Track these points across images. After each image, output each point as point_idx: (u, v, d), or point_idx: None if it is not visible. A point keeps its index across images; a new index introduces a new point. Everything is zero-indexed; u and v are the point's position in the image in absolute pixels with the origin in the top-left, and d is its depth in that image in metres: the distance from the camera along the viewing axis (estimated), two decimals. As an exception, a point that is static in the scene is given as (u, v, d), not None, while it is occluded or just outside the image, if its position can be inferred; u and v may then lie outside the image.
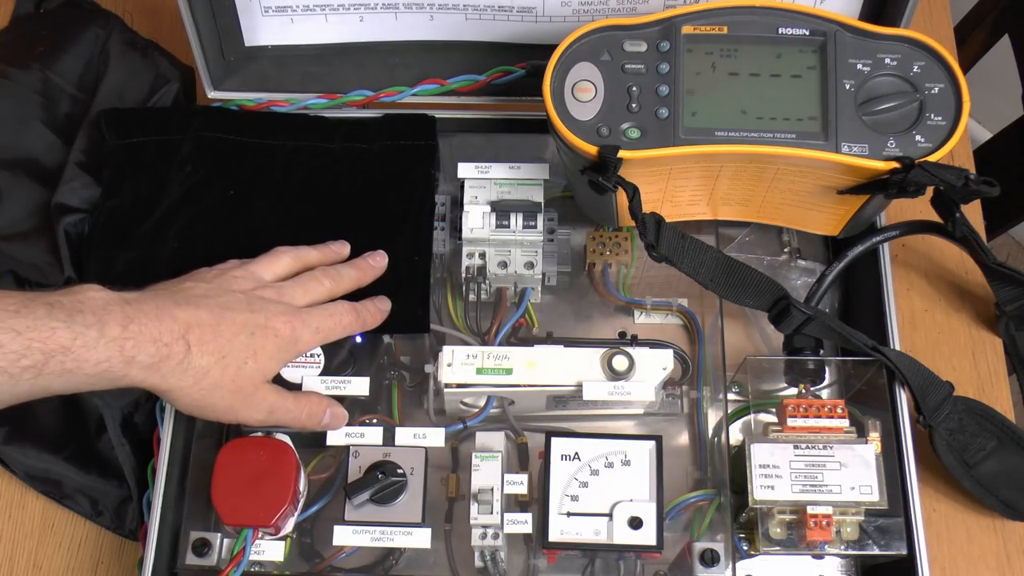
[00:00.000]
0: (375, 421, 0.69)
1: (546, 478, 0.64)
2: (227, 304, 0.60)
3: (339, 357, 0.68)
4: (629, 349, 0.67)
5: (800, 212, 0.70)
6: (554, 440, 0.65)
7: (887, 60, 0.64)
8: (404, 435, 0.66)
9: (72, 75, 0.78)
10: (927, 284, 0.80)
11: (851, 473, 0.63)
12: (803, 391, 0.68)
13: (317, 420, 0.64)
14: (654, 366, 0.67)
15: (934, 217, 0.70)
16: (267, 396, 0.61)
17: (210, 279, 0.63)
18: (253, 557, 0.64)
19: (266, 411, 0.61)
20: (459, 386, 0.66)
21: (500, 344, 0.71)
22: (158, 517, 0.64)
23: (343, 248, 0.69)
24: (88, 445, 0.72)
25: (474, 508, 0.63)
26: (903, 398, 0.67)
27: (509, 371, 0.66)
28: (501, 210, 0.71)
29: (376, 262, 0.69)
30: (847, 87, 0.63)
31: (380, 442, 0.66)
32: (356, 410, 0.68)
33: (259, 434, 0.65)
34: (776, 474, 0.63)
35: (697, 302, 0.74)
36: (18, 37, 0.81)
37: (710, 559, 0.62)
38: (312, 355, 0.71)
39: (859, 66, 0.64)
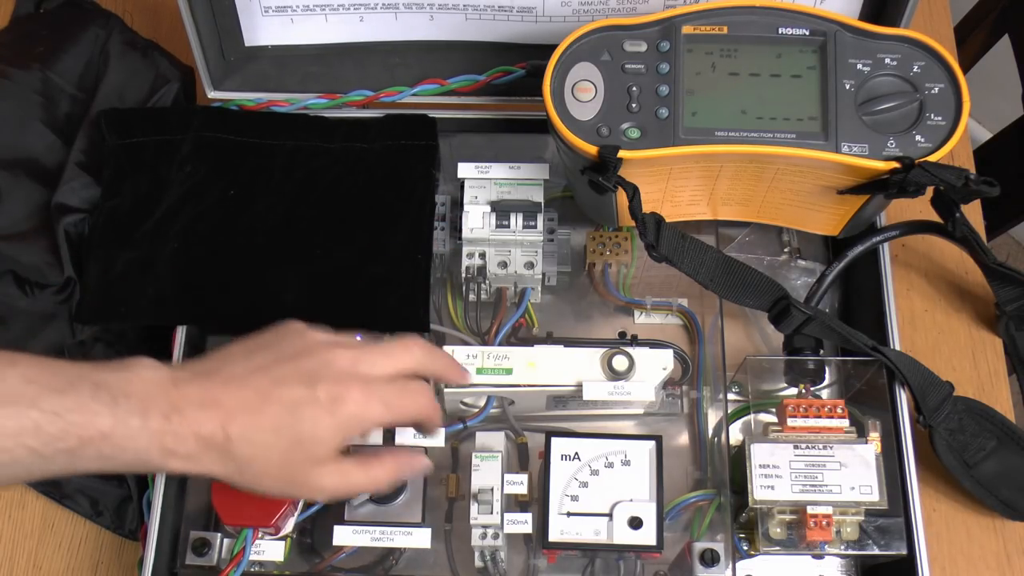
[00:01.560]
0: (375, 421, 0.69)
1: (546, 478, 0.64)
2: (280, 379, 0.54)
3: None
4: (629, 349, 0.67)
5: (800, 212, 0.70)
6: (554, 440, 0.65)
7: (887, 60, 0.64)
8: (404, 435, 0.66)
9: (72, 75, 0.78)
10: (927, 284, 0.80)
11: (851, 473, 0.63)
12: (803, 391, 0.68)
13: (394, 480, 0.60)
14: (654, 366, 0.67)
15: (934, 217, 0.70)
16: (325, 478, 0.56)
17: (276, 339, 0.58)
18: (253, 557, 0.64)
19: (328, 493, 0.57)
20: (459, 386, 0.66)
21: (500, 344, 0.71)
22: (158, 517, 0.64)
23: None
24: (88, 445, 0.72)
25: (474, 508, 0.63)
26: (903, 398, 0.67)
27: (509, 371, 0.66)
28: (501, 210, 0.71)
29: (465, 377, 0.64)
30: (847, 87, 0.63)
31: (380, 442, 0.66)
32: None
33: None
34: (776, 474, 0.63)
35: (697, 302, 0.74)
36: (18, 37, 0.81)
37: (710, 559, 0.62)
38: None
39: (859, 66, 0.64)
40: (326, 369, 0.55)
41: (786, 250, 0.77)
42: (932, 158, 0.62)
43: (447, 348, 0.67)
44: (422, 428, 0.63)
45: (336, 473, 0.56)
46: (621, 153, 0.62)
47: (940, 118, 0.63)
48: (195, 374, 0.55)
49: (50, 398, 0.48)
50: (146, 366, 0.53)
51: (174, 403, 0.52)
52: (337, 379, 0.55)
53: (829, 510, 0.62)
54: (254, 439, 0.53)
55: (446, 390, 0.67)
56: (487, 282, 0.73)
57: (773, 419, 0.67)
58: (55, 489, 0.72)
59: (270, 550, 0.65)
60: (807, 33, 0.64)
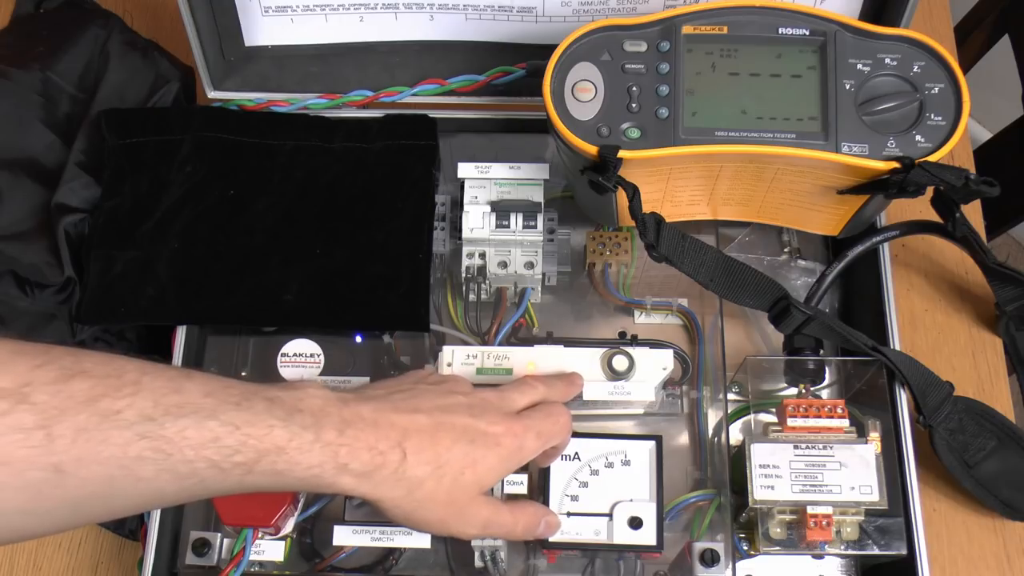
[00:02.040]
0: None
1: (546, 478, 0.64)
2: (447, 408, 0.56)
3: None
4: (629, 349, 0.67)
5: (800, 212, 0.70)
6: (554, 440, 0.65)
7: (887, 60, 0.64)
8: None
9: (72, 75, 0.78)
10: (927, 284, 0.80)
11: (851, 473, 0.63)
12: (803, 391, 0.68)
13: (532, 533, 0.60)
14: (654, 366, 0.67)
15: (934, 217, 0.70)
16: (482, 510, 0.56)
17: (433, 381, 0.59)
18: (253, 557, 0.64)
19: (480, 526, 0.57)
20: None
21: (500, 344, 0.71)
22: (158, 517, 0.64)
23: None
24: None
25: (474, 508, 0.63)
26: (903, 398, 0.67)
27: (509, 371, 0.66)
28: (501, 210, 0.71)
29: (580, 382, 0.66)
30: (847, 87, 0.63)
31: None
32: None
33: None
34: (776, 474, 0.63)
35: (697, 302, 0.74)
36: (18, 37, 0.81)
37: (710, 559, 0.62)
38: (312, 355, 0.71)
39: (859, 66, 0.64)
40: (482, 404, 0.57)
41: (786, 250, 0.77)
42: (932, 158, 0.62)
43: (447, 348, 0.67)
44: (551, 455, 0.63)
45: (489, 507, 0.57)
46: (621, 153, 0.62)
47: (940, 118, 0.63)
48: (362, 397, 0.55)
49: (228, 411, 0.48)
50: (314, 386, 0.53)
51: (347, 419, 0.52)
52: (495, 414, 0.57)
53: (829, 510, 0.62)
54: (429, 460, 0.53)
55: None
56: (487, 282, 0.73)
57: (773, 419, 0.67)
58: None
59: (270, 550, 0.65)
60: (807, 33, 0.64)
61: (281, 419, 0.49)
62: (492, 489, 0.61)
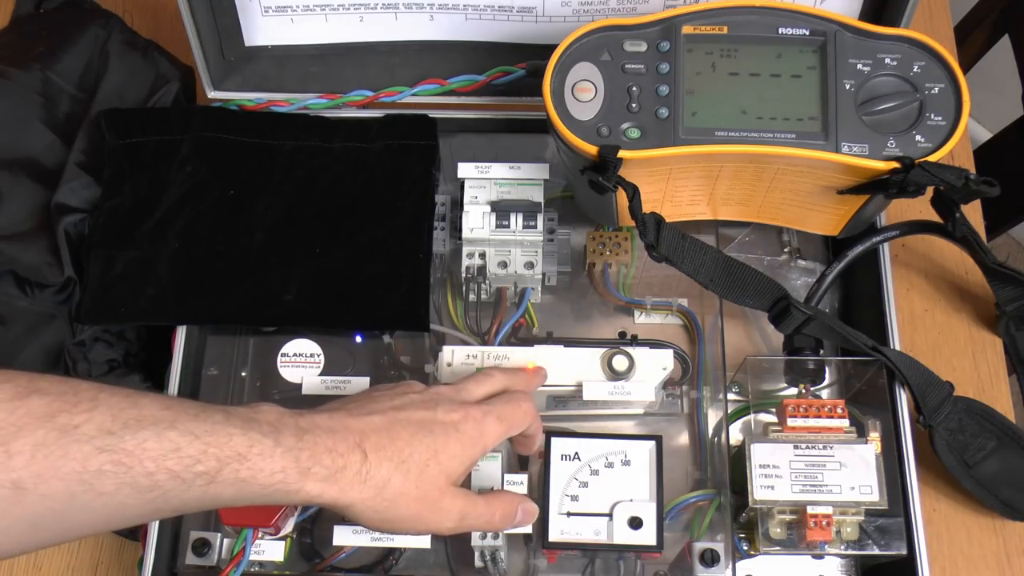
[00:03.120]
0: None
1: (546, 478, 0.64)
2: (402, 406, 0.56)
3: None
4: (629, 349, 0.67)
5: (800, 212, 0.70)
6: (554, 440, 0.65)
7: (887, 60, 0.64)
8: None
9: (72, 75, 0.78)
10: (927, 284, 0.80)
11: (851, 473, 0.63)
12: (803, 391, 0.68)
13: (510, 521, 0.60)
14: (654, 366, 0.67)
15: (934, 217, 0.70)
16: (456, 502, 0.56)
17: (385, 387, 0.60)
18: (253, 557, 0.64)
19: (456, 518, 0.56)
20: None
21: (500, 344, 0.71)
22: (158, 517, 0.65)
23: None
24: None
25: (474, 508, 0.63)
26: (903, 398, 0.67)
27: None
28: (501, 210, 0.71)
29: (544, 373, 0.66)
30: (847, 87, 0.63)
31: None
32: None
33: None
34: (776, 474, 0.63)
35: (697, 302, 0.74)
36: (18, 37, 0.81)
37: (710, 559, 0.62)
38: (312, 355, 0.71)
39: (859, 66, 0.64)
40: (436, 397, 0.57)
41: (786, 250, 0.77)
42: (932, 158, 0.62)
43: (447, 348, 0.67)
44: (525, 443, 0.63)
45: (463, 498, 0.56)
46: (621, 153, 0.62)
47: (940, 118, 0.63)
48: (316, 410, 0.55)
49: (187, 421, 0.48)
50: (268, 404, 0.53)
51: (303, 427, 0.52)
52: (450, 404, 0.57)
53: (829, 510, 0.62)
54: (391, 455, 0.53)
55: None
56: (487, 282, 0.73)
57: (773, 419, 0.67)
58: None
59: (270, 550, 0.65)
60: (807, 33, 0.64)
61: (240, 427, 0.49)
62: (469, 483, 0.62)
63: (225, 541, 0.65)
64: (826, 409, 0.65)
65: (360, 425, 0.54)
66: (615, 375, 0.66)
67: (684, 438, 0.71)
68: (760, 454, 0.63)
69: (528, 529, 0.63)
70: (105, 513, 0.47)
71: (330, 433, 0.52)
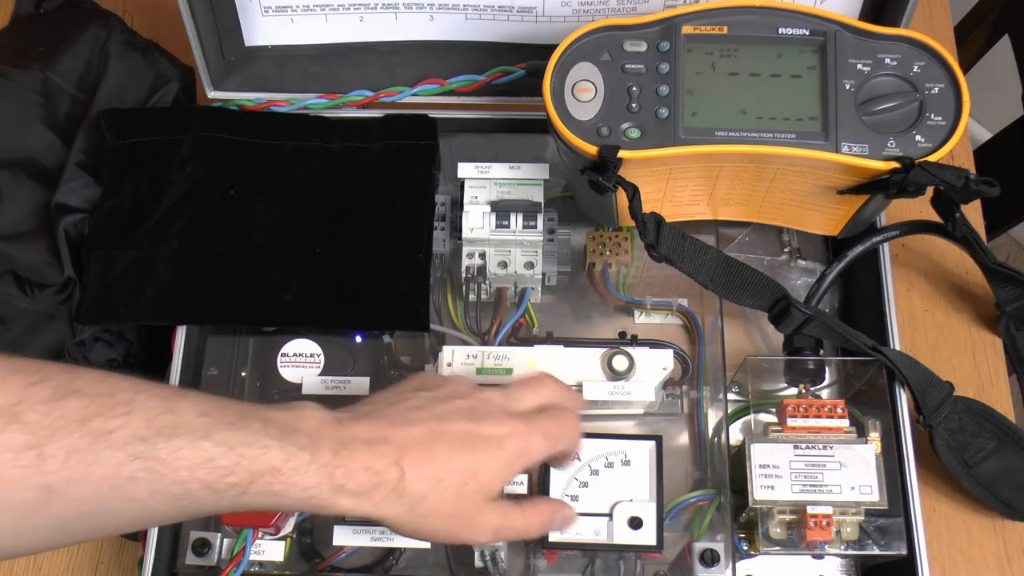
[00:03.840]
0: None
1: (546, 478, 0.64)
2: (445, 416, 0.54)
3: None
4: (629, 349, 0.67)
5: (800, 212, 0.70)
6: (554, 440, 0.64)
7: (887, 60, 0.64)
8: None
9: (72, 75, 0.78)
10: (927, 284, 0.80)
11: (851, 473, 0.63)
12: (803, 391, 0.68)
13: (547, 529, 0.59)
14: (654, 366, 0.67)
15: (934, 217, 0.70)
16: (491, 517, 0.54)
17: (433, 385, 0.57)
18: (253, 557, 0.64)
19: (491, 533, 0.55)
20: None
21: (500, 344, 0.71)
22: (158, 517, 0.64)
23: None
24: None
25: (474, 508, 0.63)
26: (903, 398, 0.67)
27: (509, 371, 0.66)
28: (501, 210, 0.71)
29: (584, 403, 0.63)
30: (847, 87, 0.63)
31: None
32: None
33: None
34: (776, 474, 0.63)
35: (697, 302, 0.74)
36: (18, 37, 0.81)
37: (710, 559, 0.62)
38: (312, 355, 0.71)
39: (859, 66, 0.64)
40: (484, 406, 0.56)
41: (786, 250, 0.77)
42: (932, 158, 0.62)
43: (447, 348, 0.67)
44: (561, 459, 0.61)
45: (498, 512, 0.55)
46: (621, 153, 0.62)
47: (940, 118, 0.63)
48: (357, 415, 0.53)
49: (222, 431, 0.47)
50: (310, 407, 0.52)
51: (342, 440, 0.51)
52: (497, 416, 0.55)
53: (829, 510, 0.62)
54: (428, 474, 0.52)
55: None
56: (487, 282, 0.73)
57: (773, 419, 0.67)
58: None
59: (270, 550, 0.65)
60: (807, 33, 0.64)
61: (276, 439, 0.48)
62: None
63: (225, 541, 0.65)
64: (826, 409, 0.65)
65: (400, 438, 0.52)
66: (615, 375, 0.66)
67: (684, 438, 0.71)
68: (760, 454, 0.63)
69: None
70: (134, 517, 0.47)
71: (368, 447, 0.51)
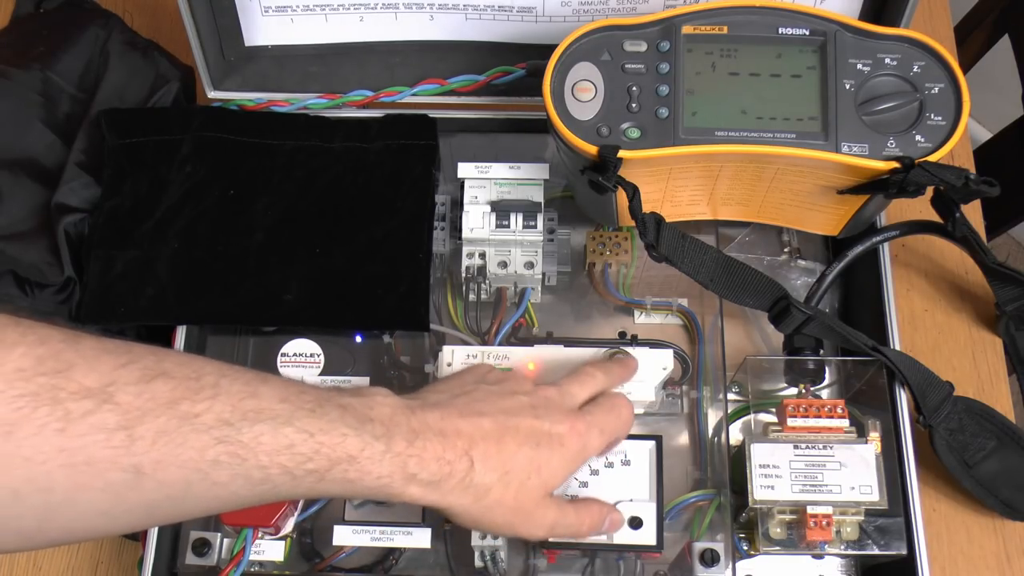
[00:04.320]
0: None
1: (546, 478, 0.64)
2: (511, 410, 0.56)
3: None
4: (629, 349, 0.67)
5: (800, 212, 0.70)
6: (554, 440, 0.64)
7: (887, 60, 0.64)
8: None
9: (72, 75, 0.78)
10: (927, 284, 0.80)
11: (851, 473, 0.63)
12: (803, 391, 0.68)
13: (596, 530, 0.60)
14: (654, 366, 0.67)
15: (934, 217, 0.70)
16: (548, 512, 0.56)
17: (494, 380, 0.60)
18: (253, 557, 0.64)
19: (547, 528, 0.57)
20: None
21: (500, 344, 0.71)
22: (158, 517, 0.64)
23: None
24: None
25: (474, 508, 0.63)
26: (903, 398, 0.67)
27: (509, 371, 0.66)
28: (501, 210, 0.71)
29: (634, 364, 0.65)
30: (847, 87, 0.63)
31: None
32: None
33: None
34: (776, 474, 0.63)
35: (697, 302, 0.74)
36: (18, 37, 0.81)
37: (710, 559, 0.62)
38: (312, 355, 0.71)
39: (859, 66, 0.64)
40: (545, 403, 0.57)
41: (786, 250, 0.77)
42: (932, 158, 0.62)
43: (447, 348, 0.67)
44: (612, 447, 0.63)
45: (556, 508, 0.57)
46: (621, 153, 0.62)
47: (940, 118, 0.63)
48: (427, 404, 0.55)
49: (303, 417, 0.48)
50: (383, 393, 0.54)
51: (415, 429, 0.52)
52: (557, 413, 0.57)
53: (829, 510, 0.62)
54: (496, 467, 0.54)
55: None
56: (487, 282, 0.73)
57: (773, 419, 0.67)
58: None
59: (270, 550, 0.65)
60: (807, 33, 0.64)
61: (354, 428, 0.50)
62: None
63: (225, 541, 0.65)
64: (826, 409, 0.65)
65: (470, 430, 0.54)
66: (615, 375, 0.66)
67: (684, 438, 0.71)
68: (760, 454, 0.63)
69: None
70: (215, 502, 0.48)
71: (440, 437, 0.52)
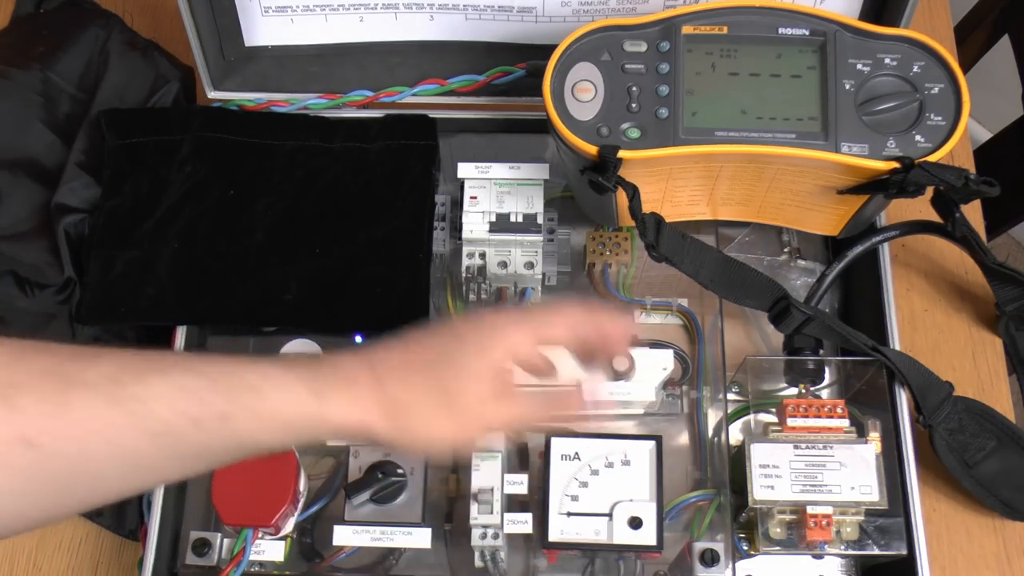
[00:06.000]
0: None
1: (546, 478, 0.64)
2: (428, 332, 0.54)
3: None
4: (629, 349, 0.67)
5: (800, 212, 0.70)
6: (554, 440, 0.65)
7: (887, 60, 0.64)
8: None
9: (72, 75, 0.78)
10: (927, 284, 0.80)
11: (851, 473, 0.63)
12: (803, 391, 0.68)
13: (577, 407, 0.59)
14: (654, 366, 0.67)
15: (934, 217, 0.70)
16: (486, 403, 0.53)
17: None
18: (253, 557, 0.64)
19: (500, 418, 0.55)
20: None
21: (500, 344, 0.71)
22: (158, 517, 0.65)
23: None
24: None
25: (474, 508, 0.63)
26: (903, 398, 0.67)
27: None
28: (500, 229, 0.71)
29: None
30: (847, 87, 0.63)
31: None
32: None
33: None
34: (776, 474, 0.63)
35: (697, 302, 0.74)
36: (18, 37, 0.81)
37: (710, 559, 0.62)
38: (312, 355, 0.71)
39: (859, 66, 0.64)
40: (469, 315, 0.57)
41: (786, 250, 0.77)
42: (932, 158, 0.62)
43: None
44: (605, 351, 0.59)
45: (498, 397, 0.54)
46: (621, 153, 0.62)
47: (940, 118, 0.63)
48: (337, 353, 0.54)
49: (193, 363, 0.48)
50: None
51: (314, 360, 0.53)
52: (488, 309, 0.57)
53: (829, 510, 0.62)
54: (405, 370, 0.52)
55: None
56: (487, 282, 0.73)
57: (773, 419, 0.67)
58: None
59: (270, 550, 0.65)
60: (807, 33, 0.64)
61: (249, 363, 0.49)
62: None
63: (225, 541, 0.65)
64: (826, 409, 0.65)
65: (376, 351, 0.53)
66: (615, 375, 0.66)
67: (684, 438, 0.71)
68: (760, 454, 0.63)
69: (528, 529, 0.63)
70: (123, 466, 0.46)
71: (342, 357, 0.52)
